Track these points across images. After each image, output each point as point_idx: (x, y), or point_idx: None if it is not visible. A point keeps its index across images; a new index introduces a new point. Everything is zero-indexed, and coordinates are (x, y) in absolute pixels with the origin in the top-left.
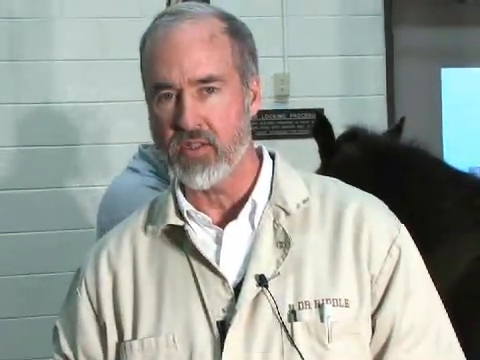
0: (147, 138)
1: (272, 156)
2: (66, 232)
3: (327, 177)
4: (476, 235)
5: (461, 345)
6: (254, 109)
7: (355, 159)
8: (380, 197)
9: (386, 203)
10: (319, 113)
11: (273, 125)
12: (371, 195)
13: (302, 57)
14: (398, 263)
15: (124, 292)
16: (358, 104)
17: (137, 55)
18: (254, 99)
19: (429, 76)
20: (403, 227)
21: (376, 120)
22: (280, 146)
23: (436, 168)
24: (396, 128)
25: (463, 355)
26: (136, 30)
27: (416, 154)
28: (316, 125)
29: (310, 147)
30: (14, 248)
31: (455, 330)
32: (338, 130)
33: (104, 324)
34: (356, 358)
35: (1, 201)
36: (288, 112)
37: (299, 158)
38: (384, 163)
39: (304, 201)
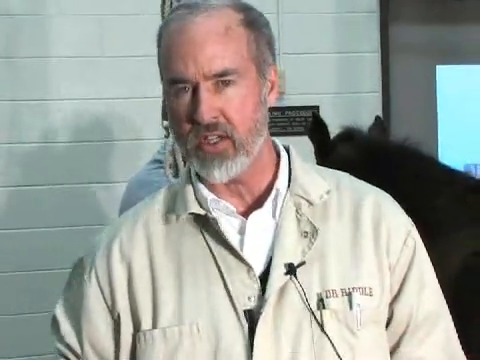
0: (146, 134)
1: (286, 149)
2: (64, 229)
3: (337, 171)
4: (471, 231)
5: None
6: (272, 99)
7: (350, 159)
8: None
9: None
10: (315, 113)
11: (268, 122)
12: (382, 190)
13: (297, 54)
14: (413, 255)
15: (140, 281)
16: (353, 101)
17: (134, 52)
18: (271, 89)
19: (424, 73)
20: (413, 223)
21: (371, 117)
22: None
23: (429, 166)
24: (379, 126)
25: (461, 347)
26: (133, 27)
27: (409, 153)
28: (312, 125)
29: (305, 145)
30: (12, 245)
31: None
32: (333, 127)
33: (118, 315)
34: (380, 345)
35: None
36: (283, 109)
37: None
38: (378, 162)
39: (327, 192)
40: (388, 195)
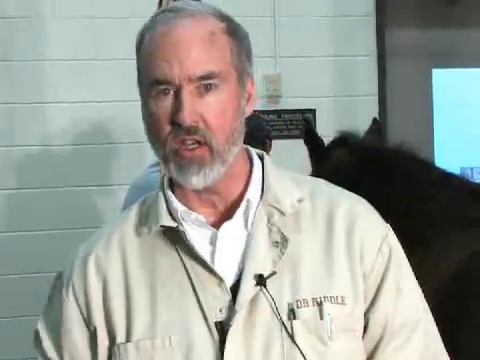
0: (139, 137)
1: (260, 157)
2: (62, 232)
3: (314, 178)
4: (466, 234)
5: (452, 344)
6: (248, 110)
7: (345, 164)
8: (369, 199)
9: (375, 205)
10: (307, 120)
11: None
12: (358, 196)
13: (294, 57)
14: (389, 261)
15: (115, 295)
16: (350, 104)
17: (129, 55)
18: (248, 100)
19: (420, 76)
20: (390, 228)
21: (367, 120)
22: (272, 146)
23: (424, 169)
24: (376, 128)
25: (446, 352)
26: (128, 30)
27: (404, 156)
28: (304, 133)
29: (302, 147)
30: (11, 248)
31: (446, 329)
32: (329, 130)
33: (94, 328)
34: (353, 354)
35: None
36: (280, 112)
37: (291, 158)
38: (373, 166)
39: (299, 201)
40: (364, 201)
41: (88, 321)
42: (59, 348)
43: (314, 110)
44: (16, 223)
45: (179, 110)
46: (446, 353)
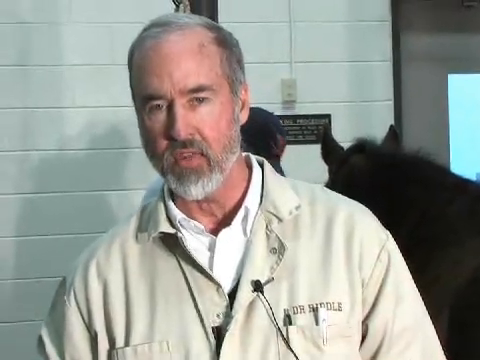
0: None
1: (260, 164)
2: (78, 236)
3: (314, 184)
4: None
5: (463, 349)
6: (243, 117)
7: (361, 170)
8: (386, 206)
9: (392, 211)
10: (325, 126)
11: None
12: (358, 203)
13: (309, 63)
14: (388, 268)
15: (115, 300)
16: (365, 110)
17: None
18: (243, 107)
19: (436, 82)
20: (389, 234)
21: (383, 126)
22: (287, 152)
23: (441, 175)
24: (393, 135)
25: (444, 356)
26: None
27: (421, 162)
28: (322, 140)
29: (317, 153)
30: (27, 252)
31: (459, 334)
32: (345, 135)
33: (95, 333)
34: None
35: (8, 205)
36: (295, 118)
37: (306, 164)
38: (389, 172)
39: (297, 208)
40: (363, 208)
41: (89, 326)
42: (62, 353)
43: (329, 115)
44: (33, 227)
45: (173, 124)
46: (444, 356)
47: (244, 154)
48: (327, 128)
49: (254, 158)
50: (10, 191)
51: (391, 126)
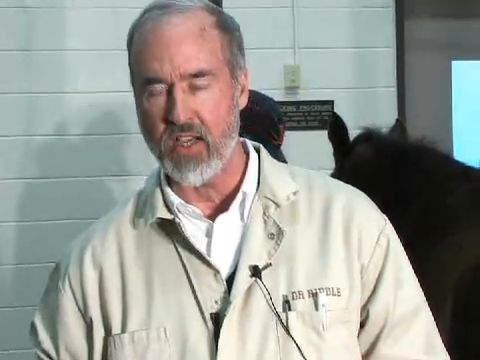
0: None
1: (257, 150)
2: (79, 222)
3: (311, 170)
4: None
5: (463, 338)
6: (242, 102)
7: (368, 159)
8: (392, 193)
9: (397, 200)
10: (335, 114)
11: (284, 116)
12: (355, 188)
13: (312, 49)
14: (387, 252)
15: (111, 286)
16: (368, 96)
17: None
18: (242, 92)
19: (439, 68)
20: (387, 219)
21: (386, 112)
22: (290, 138)
23: (444, 163)
24: (400, 129)
25: (442, 343)
26: None
27: (424, 151)
28: (331, 126)
29: (320, 139)
30: (28, 237)
31: (461, 322)
32: (348, 122)
33: (90, 320)
34: (348, 346)
35: (11, 190)
36: (298, 104)
37: (309, 150)
38: (395, 162)
39: (294, 193)
40: (361, 193)
41: (84, 312)
42: (55, 340)
43: (332, 101)
44: (36, 212)
45: (172, 108)
46: (441, 340)
47: (241, 139)
48: (337, 116)
49: (250, 143)
50: (13, 176)
51: (397, 119)
